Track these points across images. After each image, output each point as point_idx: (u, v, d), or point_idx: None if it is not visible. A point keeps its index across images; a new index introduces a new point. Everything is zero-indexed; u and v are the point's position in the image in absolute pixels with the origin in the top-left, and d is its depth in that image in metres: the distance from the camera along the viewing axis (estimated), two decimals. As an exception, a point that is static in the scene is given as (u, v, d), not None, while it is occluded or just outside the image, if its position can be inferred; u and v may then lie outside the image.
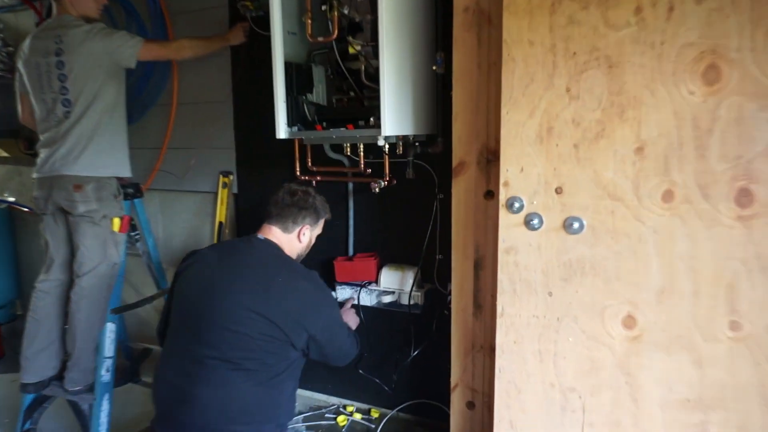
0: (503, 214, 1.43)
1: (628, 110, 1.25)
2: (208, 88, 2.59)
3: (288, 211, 1.71)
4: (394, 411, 2.37)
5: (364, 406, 2.48)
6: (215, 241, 2.62)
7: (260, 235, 1.71)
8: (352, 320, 2.02)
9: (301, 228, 1.74)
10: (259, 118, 2.43)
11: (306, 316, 1.55)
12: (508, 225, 1.43)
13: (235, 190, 2.60)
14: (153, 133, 2.74)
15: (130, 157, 2.29)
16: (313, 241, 1.85)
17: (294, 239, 1.74)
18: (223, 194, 2.58)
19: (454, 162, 1.68)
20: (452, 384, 1.80)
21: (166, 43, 2.32)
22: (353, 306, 2.16)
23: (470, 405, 1.79)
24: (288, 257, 1.70)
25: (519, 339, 1.46)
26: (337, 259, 2.28)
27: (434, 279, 2.16)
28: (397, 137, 1.87)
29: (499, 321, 1.48)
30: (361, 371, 2.25)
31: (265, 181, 2.51)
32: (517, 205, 1.40)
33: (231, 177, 2.58)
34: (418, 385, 2.31)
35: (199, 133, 2.65)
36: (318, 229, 1.84)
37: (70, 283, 2.17)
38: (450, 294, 2.12)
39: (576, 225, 1.34)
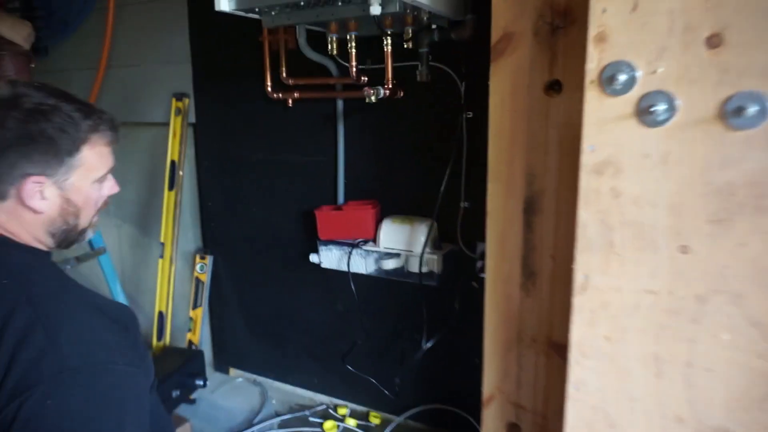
0: (594, 97, 0.75)
1: None
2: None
3: None
4: (401, 418, 1.74)
5: (362, 409, 1.86)
6: (167, 189, 1.98)
7: None
8: None
9: (24, 183, 0.78)
10: (224, 19, 1.78)
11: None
12: (603, 119, 0.75)
13: (192, 118, 1.95)
14: (90, 47, 2.10)
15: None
16: (95, 201, 0.87)
17: (19, 209, 0.80)
18: (176, 124, 1.94)
19: (495, 36, 1.00)
20: (485, 395, 1.16)
21: None
22: None
23: (513, 429, 1.14)
24: (12, 256, 0.81)
25: (617, 333, 0.79)
26: (321, 208, 1.63)
27: (457, 236, 1.50)
28: (403, 11, 1.18)
29: (577, 300, 0.82)
30: (349, 367, 1.62)
31: (230, 105, 1.86)
32: (622, 78, 0.72)
33: (187, 101, 1.93)
34: (434, 383, 1.68)
35: (146, 43, 2.00)
36: (89, 175, 0.84)
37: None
38: (481, 258, 1.46)
39: (751, 110, 0.66)
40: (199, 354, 1.86)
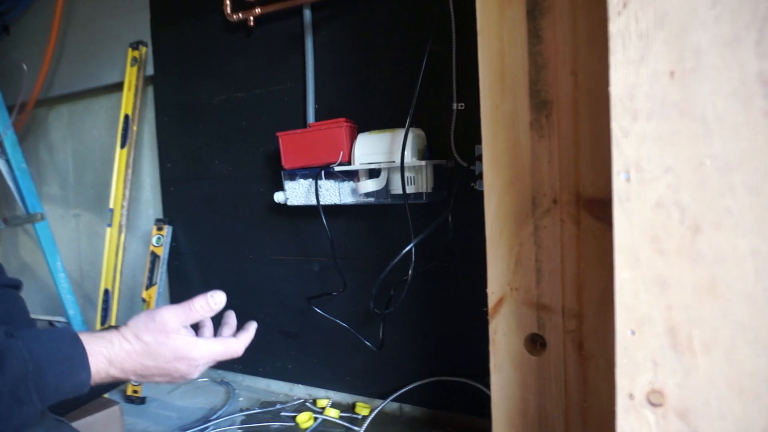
0: None
1: None
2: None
3: None
4: (387, 401, 1.36)
5: (347, 399, 1.48)
6: (119, 151, 1.72)
7: None
8: None
9: None
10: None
11: None
12: None
13: (150, 70, 1.72)
14: (48, 16, 1.92)
15: None
16: None
17: None
18: (131, 75, 1.71)
19: None
20: (491, 299, 0.82)
21: None
22: None
23: (536, 342, 0.80)
24: None
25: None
26: (285, 132, 1.34)
27: (451, 146, 1.20)
28: None
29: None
30: (316, 309, 1.26)
31: (190, 44, 1.63)
32: None
33: (144, 49, 1.71)
34: (432, 351, 1.31)
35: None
36: None
37: None
38: (480, 159, 1.16)
39: None
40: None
